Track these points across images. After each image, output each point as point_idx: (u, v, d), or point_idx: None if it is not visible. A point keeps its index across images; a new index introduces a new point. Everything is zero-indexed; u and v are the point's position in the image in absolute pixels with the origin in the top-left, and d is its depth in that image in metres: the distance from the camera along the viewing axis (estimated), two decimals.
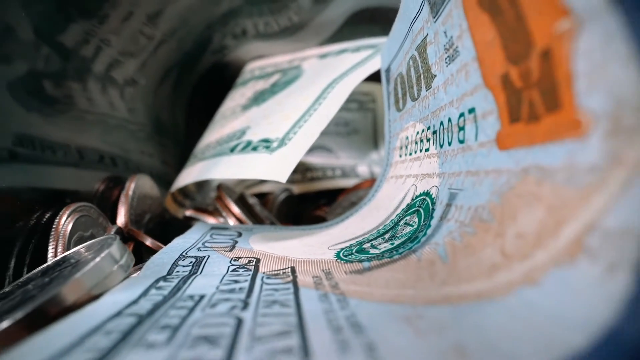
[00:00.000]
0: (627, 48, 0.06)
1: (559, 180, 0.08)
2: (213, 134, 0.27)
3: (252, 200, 0.27)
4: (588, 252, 0.07)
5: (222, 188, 0.24)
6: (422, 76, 0.15)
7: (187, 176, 0.25)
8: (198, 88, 0.36)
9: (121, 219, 0.21)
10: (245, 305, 0.09)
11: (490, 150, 0.10)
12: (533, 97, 0.09)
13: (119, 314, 0.09)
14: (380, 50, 0.24)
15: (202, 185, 0.31)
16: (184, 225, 0.26)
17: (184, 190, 0.29)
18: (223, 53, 0.35)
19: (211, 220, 0.23)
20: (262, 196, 0.31)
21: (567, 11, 0.07)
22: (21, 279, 0.14)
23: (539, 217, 0.08)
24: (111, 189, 0.23)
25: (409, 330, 0.07)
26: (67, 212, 0.17)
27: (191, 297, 0.10)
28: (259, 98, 0.27)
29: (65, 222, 0.17)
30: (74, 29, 0.24)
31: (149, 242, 0.19)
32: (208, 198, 0.31)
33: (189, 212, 0.24)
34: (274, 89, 0.27)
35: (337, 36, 0.32)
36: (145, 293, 0.11)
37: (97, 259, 0.11)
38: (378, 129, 0.35)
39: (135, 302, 0.10)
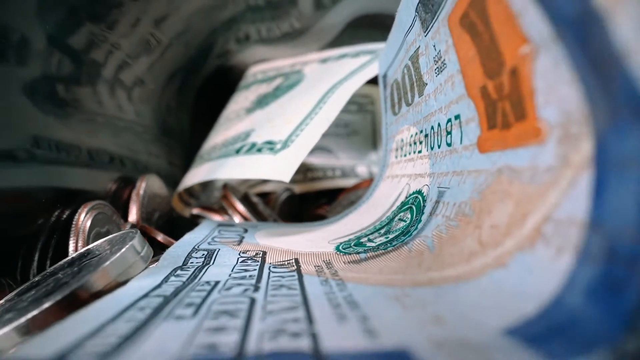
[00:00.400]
0: (570, 73, 0.07)
1: (525, 179, 0.09)
2: (218, 136, 0.29)
3: (255, 199, 0.28)
4: (544, 238, 0.08)
5: (228, 188, 0.25)
6: (415, 84, 0.17)
7: (194, 176, 0.26)
8: (202, 91, 0.37)
9: (133, 216, 0.22)
10: (256, 288, 0.11)
11: (472, 152, 0.12)
12: (505, 107, 0.10)
13: (146, 295, 0.10)
14: (378, 56, 0.25)
15: (206, 185, 0.33)
16: (191, 223, 0.28)
17: (189, 190, 0.30)
18: (226, 57, 0.37)
19: (217, 218, 0.25)
20: (264, 195, 0.33)
21: (527, 39, 0.08)
22: (48, 270, 0.15)
23: (509, 211, 0.10)
24: (122, 189, 0.25)
25: (397, 306, 0.09)
26: (85, 210, 0.19)
27: (207, 282, 0.12)
28: (262, 101, 0.28)
29: (84, 219, 0.18)
30: (85, 34, 0.25)
31: (160, 237, 0.20)
32: (212, 197, 0.33)
33: (195, 211, 0.26)
34: (276, 93, 0.28)
35: (337, 41, 0.33)
36: (166, 279, 0.12)
37: (122, 250, 0.13)
38: (377, 130, 0.36)
39: (158, 286, 0.11)
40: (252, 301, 0.10)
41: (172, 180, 0.32)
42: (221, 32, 0.35)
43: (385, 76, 0.22)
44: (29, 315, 0.11)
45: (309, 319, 0.08)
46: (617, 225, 0.06)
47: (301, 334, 0.07)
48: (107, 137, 0.27)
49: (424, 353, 0.06)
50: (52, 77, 0.23)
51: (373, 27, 0.32)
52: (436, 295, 0.09)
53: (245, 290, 0.11)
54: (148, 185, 0.24)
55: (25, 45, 0.21)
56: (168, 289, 0.11)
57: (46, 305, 0.11)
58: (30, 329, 0.11)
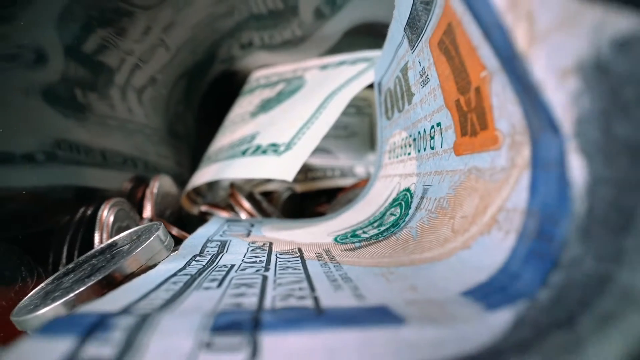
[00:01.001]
0: (513, 95, 0.10)
1: (487, 177, 0.12)
2: (224, 138, 0.31)
3: (259, 198, 0.31)
4: (498, 224, 0.10)
5: (235, 186, 0.27)
6: (405, 93, 0.19)
7: (203, 176, 0.28)
8: (208, 94, 0.40)
9: (147, 212, 0.25)
10: (267, 269, 0.13)
11: (450, 155, 0.14)
12: (473, 118, 0.12)
13: (175, 274, 0.13)
14: (374, 64, 0.28)
15: (212, 184, 0.35)
16: (198, 220, 0.30)
17: (197, 189, 0.33)
18: (231, 62, 0.39)
19: (224, 215, 0.27)
20: (267, 194, 0.35)
21: (484, 66, 0.11)
22: (79, 259, 0.18)
23: (475, 204, 0.12)
24: (137, 187, 0.27)
25: (383, 280, 0.11)
26: (108, 206, 0.21)
27: (224, 265, 0.14)
28: (266, 106, 0.31)
29: (107, 215, 0.21)
30: (99, 42, 0.27)
31: (174, 231, 0.22)
32: (217, 196, 0.35)
33: (204, 208, 0.28)
34: (279, 98, 0.31)
35: (336, 47, 0.36)
36: (188, 263, 0.14)
37: (150, 239, 0.15)
38: (374, 132, 0.39)
39: (183, 268, 0.14)
40: (264, 277, 0.12)
41: (180, 180, 0.34)
42: (226, 39, 0.37)
43: (380, 84, 0.24)
44: (76, 292, 0.13)
45: (311, 288, 0.11)
46: (543, 212, 0.09)
47: (305, 297, 0.10)
48: (119, 139, 0.30)
49: (399, 308, 0.09)
50: (70, 83, 0.25)
51: (370, 34, 0.35)
52: (414, 272, 0.12)
53: (257, 270, 0.13)
54: (161, 184, 0.26)
55: (46, 53, 0.24)
56: (192, 270, 0.13)
57: (89, 284, 0.13)
58: (75, 303, 0.13)
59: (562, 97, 0.08)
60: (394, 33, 0.19)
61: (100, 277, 0.14)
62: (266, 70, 0.38)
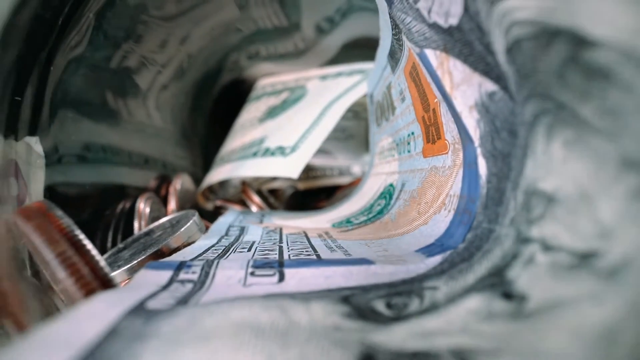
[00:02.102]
0: (451, 117, 0.15)
1: (440, 173, 0.17)
2: (236, 141, 0.36)
3: (266, 194, 0.36)
4: (445, 206, 0.16)
5: (246, 184, 0.32)
6: (390, 106, 0.24)
7: (218, 174, 0.33)
8: (218, 100, 0.45)
9: (172, 205, 0.30)
10: (280, 242, 0.18)
11: (420, 157, 0.19)
12: (432, 130, 0.17)
13: (212, 246, 0.18)
14: (367, 76, 0.33)
15: (223, 183, 0.40)
16: (212, 214, 0.35)
17: (210, 187, 0.38)
18: (239, 71, 0.44)
19: (237, 208, 0.32)
20: (273, 192, 0.40)
21: (435, 95, 0.16)
22: (128, 240, 0.23)
23: (433, 192, 0.17)
24: (161, 185, 0.32)
25: (365, 247, 0.16)
26: (143, 200, 0.26)
27: (247, 241, 0.19)
28: (272, 112, 0.36)
29: (144, 206, 0.26)
30: (128, 55, 0.32)
31: None
32: (227, 193, 0.40)
33: (219, 202, 0.33)
34: (284, 106, 0.36)
35: (335, 59, 0.41)
36: (219, 240, 0.19)
37: (189, 223, 0.20)
38: (369, 135, 0.44)
39: (217, 242, 0.19)
40: (280, 248, 0.17)
41: (194, 178, 0.39)
42: (235, 50, 0.42)
43: (372, 95, 0.29)
44: (137, 260, 0.18)
45: (314, 250, 0.16)
46: (468, 195, 0.14)
47: (310, 254, 0.15)
48: (140, 141, 0.35)
49: (372, 259, 0.14)
50: (103, 90, 0.30)
51: (364, 47, 0.40)
52: (388, 242, 0.17)
53: (274, 243, 0.18)
54: (182, 182, 0.31)
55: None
56: (224, 243, 0.18)
57: (147, 254, 0.18)
58: (136, 269, 0.18)
59: (471, 122, 0.13)
60: (380, 58, 0.24)
61: (154, 250, 0.19)
62: (271, 79, 0.43)
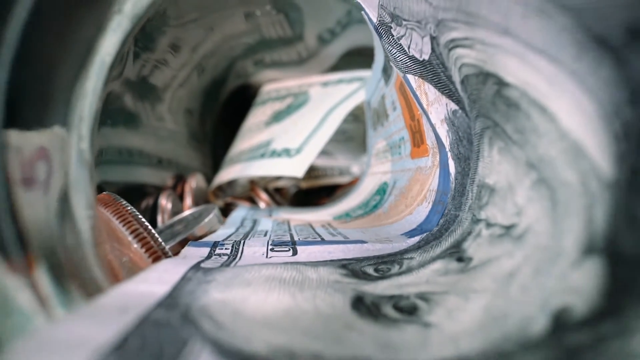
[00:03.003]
0: (430, 126, 0.19)
1: (423, 172, 0.21)
2: (244, 143, 0.40)
3: (272, 192, 0.40)
4: (426, 199, 0.19)
5: (254, 182, 0.36)
6: (384, 113, 0.28)
7: (228, 174, 0.37)
8: (225, 104, 0.49)
9: (188, 202, 0.34)
10: (290, 231, 0.22)
11: (408, 159, 0.23)
12: (417, 136, 0.21)
13: (233, 233, 0.22)
14: (365, 84, 0.37)
15: (231, 182, 0.44)
16: (223, 210, 0.39)
17: (220, 186, 0.41)
18: (245, 77, 0.48)
19: (246, 205, 0.36)
20: (277, 190, 0.44)
21: (418, 108, 0.20)
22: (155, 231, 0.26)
23: (417, 188, 0.21)
24: (177, 183, 0.36)
25: (361, 233, 0.20)
26: (165, 196, 0.30)
27: (262, 230, 0.23)
28: (277, 117, 0.40)
29: (166, 202, 0.30)
30: (147, 62, 0.36)
31: None
32: (235, 191, 0.44)
33: (230, 199, 0.37)
34: (288, 110, 0.40)
35: (336, 66, 0.45)
36: (237, 230, 0.23)
37: (211, 215, 0.24)
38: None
39: (236, 231, 0.23)
40: (290, 234, 0.21)
41: (204, 178, 0.43)
42: (241, 58, 0.46)
43: (369, 102, 0.33)
44: (169, 246, 0.22)
45: (319, 236, 0.20)
46: (442, 190, 0.18)
47: (316, 237, 0.19)
48: (154, 143, 0.38)
49: (367, 240, 0.18)
50: (119, 97, 0.34)
51: (362, 55, 0.43)
52: (380, 229, 0.21)
53: (284, 231, 0.22)
54: (197, 180, 0.35)
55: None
56: (242, 231, 0.22)
57: (177, 241, 0.22)
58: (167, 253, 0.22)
59: (443, 132, 0.17)
60: (375, 71, 0.28)
61: (183, 237, 0.22)
62: (275, 85, 0.47)
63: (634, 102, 0.07)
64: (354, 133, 0.48)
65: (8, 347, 0.06)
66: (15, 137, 0.08)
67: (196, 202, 0.35)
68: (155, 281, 0.11)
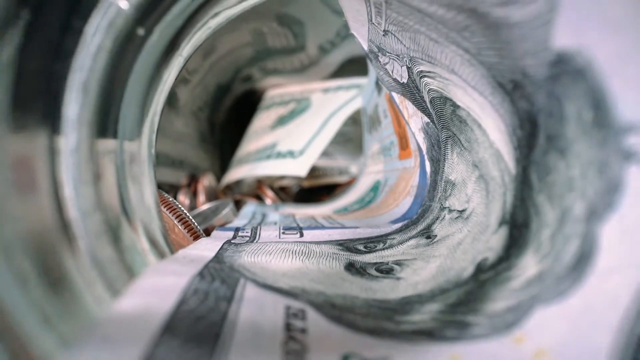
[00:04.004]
0: (411, 133, 0.23)
1: (408, 171, 0.25)
2: (250, 145, 0.45)
3: (277, 190, 0.44)
4: (409, 193, 0.24)
5: (261, 181, 0.41)
6: (377, 119, 0.33)
7: (237, 173, 0.42)
8: (232, 108, 0.53)
9: (202, 199, 0.38)
10: (296, 222, 0.27)
11: (397, 160, 0.28)
12: (403, 141, 0.26)
13: (247, 223, 0.26)
14: (362, 91, 0.41)
15: (238, 181, 0.49)
16: None
17: (228, 185, 0.46)
18: (250, 83, 0.53)
19: (254, 201, 0.41)
20: (281, 189, 0.48)
21: (403, 117, 0.24)
22: None
23: (403, 185, 0.26)
24: (190, 182, 0.41)
25: (356, 221, 0.25)
26: (183, 193, 0.35)
27: (271, 221, 0.27)
28: (282, 121, 0.44)
29: (184, 198, 0.34)
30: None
31: None
32: (242, 190, 0.49)
33: (238, 197, 0.42)
34: (292, 115, 0.44)
35: (336, 73, 0.49)
36: (250, 221, 0.28)
37: (226, 209, 0.29)
38: None
39: (249, 222, 0.27)
40: (297, 223, 0.26)
41: (214, 177, 0.47)
42: (248, 65, 0.51)
43: (365, 109, 0.38)
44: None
45: (320, 224, 0.24)
46: (420, 185, 0.22)
47: (317, 224, 0.23)
48: (169, 145, 0.43)
49: (361, 226, 0.22)
50: None
51: (360, 63, 0.48)
52: (372, 219, 0.25)
53: (291, 222, 0.27)
54: (208, 179, 0.40)
55: None
56: (254, 222, 0.27)
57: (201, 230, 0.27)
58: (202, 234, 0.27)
59: (420, 139, 0.21)
60: (370, 83, 0.32)
61: (204, 227, 0.27)
62: (279, 90, 0.51)
63: (521, 127, 0.12)
64: (352, 135, 0.53)
65: (139, 272, 0.11)
66: (127, 145, 0.12)
67: (208, 199, 0.40)
68: (204, 249, 0.16)
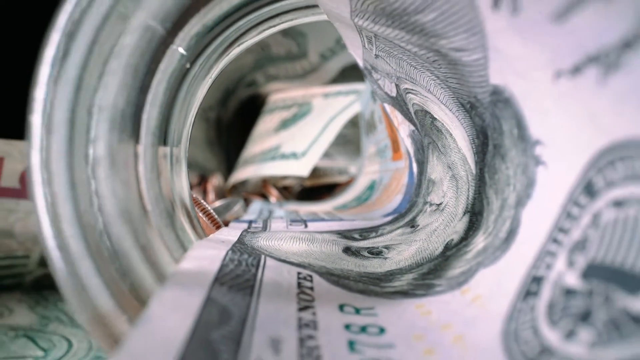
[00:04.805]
0: (401, 138, 0.27)
1: (400, 171, 0.29)
2: (255, 147, 0.49)
3: (280, 189, 0.48)
4: (400, 190, 0.28)
5: (266, 181, 0.45)
6: (373, 125, 0.37)
7: (243, 173, 0.46)
8: (237, 112, 0.58)
9: (211, 197, 0.42)
10: (300, 217, 0.31)
11: (390, 161, 0.32)
12: (395, 144, 0.30)
13: (257, 218, 0.30)
14: (360, 97, 0.45)
15: (244, 181, 0.53)
16: None
17: (234, 184, 0.50)
18: (255, 87, 0.57)
19: (259, 200, 0.45)
20: (284, 188, 0.52)
21: (394, 123, 0.28)
22: None
23: (395, 183, 0.30)
24: (200, 181, 0.45)
25: (353, 216, 0.29)
26: (194, 191, 0.39)
27: (278, 216, 0.31)
28: (285, 125, 0.48)
29: (196, 196, 0.38)
30: None
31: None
32: (247, 189, 0.53)
33: (244, 195, 0.46)
34: (294, 119, 0.48)
35: (336, 79, 0.53)
36: (257, 217, 0.32)
37: (237, 206, 0.33)
38: None
39: (258, 216, 0.31)
40: (302, 217, 0.30)
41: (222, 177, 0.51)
42: (252, 70, 0.55)
43: (363, 114, 0.42)
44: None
45: (322, 218, 0.28)
46: (409, 184, 0.26)
47: (319, 217, 0.27)
48: None
49: (358, 219, 0.26)
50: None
51: (358, 70, 0.52)
52: (368, 214, 0.29)
53: (296, 216, 0.31)
54: (217, 179, 0.44)
55: None
56: (262, 217, 0.31)
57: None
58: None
59: (408, 144, 0.25)
60: (367, 90, 0.37)
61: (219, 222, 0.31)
62: (281, 95, 0.55)
63: (477, 137, 0.16)
64: (351, 137, 0.57)
65: (187, 246, 0.15)
66: (174, 150, 0.16)
67: (217, 197, 0.44)
68: (228, 235, 0.19)
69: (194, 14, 0.13)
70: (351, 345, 0.11)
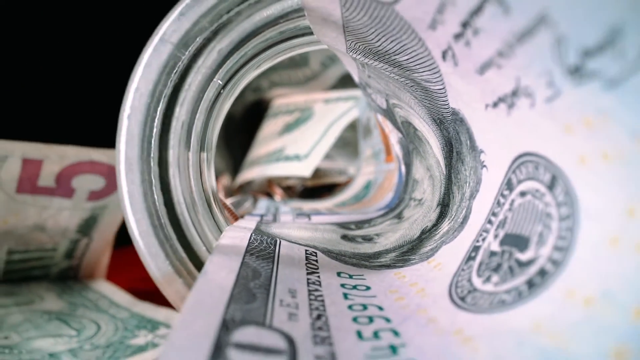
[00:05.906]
0: (392, 143, 0.32)
1: (391, 172, 0.34)
2: (260, 149, 0.54)
3: (284, 188, 0.53)
4: (392, 189, 0.33)
5: (271, 181, 0.50)
6: (369, 130, 0.42)
7: (249, 174, 0.51)
8: (242, 116, 0.63)
9: (221, 196, 0.47)
10: (305, 213, 0.36)
11: (384, 163, 0.37)
12: (387, 148, 0.35)
13: (266, 213, 0.35)
14: (359, 103, 0.51)
15: (249, 181, 0.58)
16: None
17: (241, 184, 0.55)
18: (258, 92, 0.62)
19: (265, 198, 0.50)
20: (288, 187, 0.57)
21: (386, 130, 0.33)
22: None
23: (388, 183, 0.35)
24: None
25: (349, 211, 0.34)
26: None
27: (284, 212, 0.36)
28: (288, 128, 0.54)
29: None
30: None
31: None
32: (252, 188, 0.58)
33: (251, 193, 0.51)
34: (297, 123, 0.53)
35: (335, 85, 0.58)
36: (267, 211, 0.37)
37: (249, 203, 0.38)
38: None
39: (266, 212, 0.36)
40: (305, 212, 0.35)
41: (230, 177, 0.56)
42: (256, 76, 0.60)
43: (360, 119, 0.47)
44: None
45: (320, 212, 0.33)
46: (399, 183, 0.31)
47: (321, 212, 0.32)
48: None
49: (354, 214, 0.31)
50: None
51: None
52: (363, 210, 0.34)
53: (301, 211, 0.36)
54: (226, 179, 0.49)
55: None
56: (271, 212, 0.36)
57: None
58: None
59: (397, 149, 0.30)
60: (363, 98, 0.42)
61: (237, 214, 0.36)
62: (284, 100, 0.60)
63: (446, 145, 0.21)
64: (350, 140, 0.62)
65: (223, 229, 0.20)
66: (209, 155, 0.21)
67: (226, 196, 0.49)
68: (246, 224, 0.24)
69: (232, 56, 0.18)
70: (345, 295, 0.16)
